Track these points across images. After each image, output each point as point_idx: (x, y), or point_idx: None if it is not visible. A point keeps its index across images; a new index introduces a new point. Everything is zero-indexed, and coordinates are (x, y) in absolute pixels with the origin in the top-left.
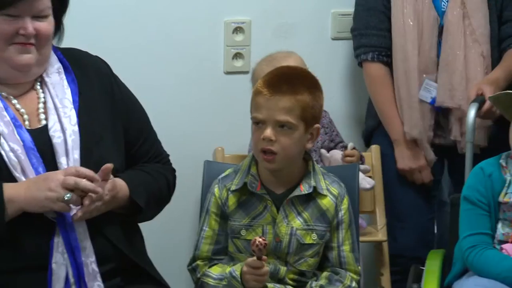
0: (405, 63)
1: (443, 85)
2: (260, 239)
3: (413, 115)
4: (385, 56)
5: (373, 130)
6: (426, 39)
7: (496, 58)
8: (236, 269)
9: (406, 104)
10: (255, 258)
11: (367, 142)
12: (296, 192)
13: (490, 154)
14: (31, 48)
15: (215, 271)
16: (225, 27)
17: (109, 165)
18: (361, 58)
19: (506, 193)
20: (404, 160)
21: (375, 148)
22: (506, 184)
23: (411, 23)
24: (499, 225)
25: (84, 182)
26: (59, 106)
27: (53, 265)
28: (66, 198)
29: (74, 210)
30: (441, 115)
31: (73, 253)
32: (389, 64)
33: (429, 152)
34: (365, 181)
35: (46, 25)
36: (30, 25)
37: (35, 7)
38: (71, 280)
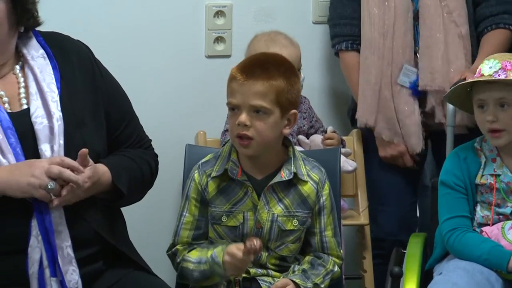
0: (370, 51)
1: (425, 68)
2: (258, 244)
3: (368, 101)
4: (359, 45)
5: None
6: (400, 24)
7: (475, 39)
8: (218, 255)
9: (366, 90)
10: (242, 248)
11: (352, 120)
12: (277, 179)
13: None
14: None
15: (194, 255)
16: (206, 10)
17: (84, 150)
18: (337, 48)
19: (482, 175)
20: (385, 147)
21: (356, 132)
22: (482, 166)
23: (376, 11)
24: (478, 208)
25: (68, 173)
26: (46, 91)
27: (29, 248)
28: (49, 187)
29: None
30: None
31: (48, 236)
32: None
33: (417, 139)
34: (347, 164)
35: None
36: None
37: None
38: (45, 263)
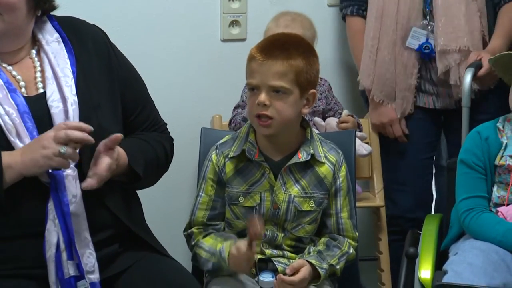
0: (371, 14)
1: (445, 28)
2: (259, 228)
3: (366, 64)
4: (365, 10)
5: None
6: None
7: (489, 6)
8: (225, 249)
9: (365, 53)
10: (246, 242)
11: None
12: (294, 160)
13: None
14: None
15: (208, 242)
16: None
17: (119, 135)
18: (344, 13)
19: (502, 156)
20: (375, 115)
21: None
22: (503, 147)
23: None
24: (495, 188)
25: (75, 133)
26: (60, 75)
27: (46, 232)
28: (62, 152)
29: (71, 170)
30: (430, 68)
31: (64, 219)
32: None
33: (407, 104)
34: (362, 147)
35: None
36: None
37: None
38: (62, 246)
